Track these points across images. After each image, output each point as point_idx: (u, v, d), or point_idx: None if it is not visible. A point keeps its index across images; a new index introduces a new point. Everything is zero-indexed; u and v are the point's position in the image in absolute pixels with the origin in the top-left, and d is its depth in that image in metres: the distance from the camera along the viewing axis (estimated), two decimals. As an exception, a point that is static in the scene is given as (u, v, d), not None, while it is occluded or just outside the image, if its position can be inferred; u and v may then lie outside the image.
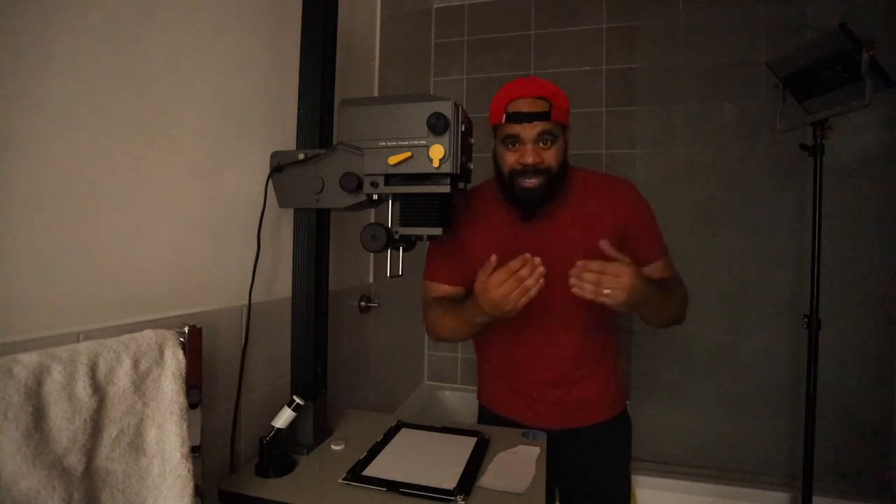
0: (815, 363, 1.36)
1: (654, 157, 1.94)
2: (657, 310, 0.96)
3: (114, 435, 0.53)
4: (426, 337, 2.27)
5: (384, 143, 0.80)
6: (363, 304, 1.45)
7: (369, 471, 0.79)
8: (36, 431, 0.45)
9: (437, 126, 0.75)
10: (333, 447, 0.89)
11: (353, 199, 0.85)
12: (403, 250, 0.88)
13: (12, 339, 0.52)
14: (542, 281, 0.82)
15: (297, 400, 0.82)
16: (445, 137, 0.76)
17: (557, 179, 0.98)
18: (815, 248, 1.35)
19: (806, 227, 1.40)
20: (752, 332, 1.79)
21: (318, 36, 0.90)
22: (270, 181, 0.90)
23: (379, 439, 0.91)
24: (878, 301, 1.65)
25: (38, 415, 0.46)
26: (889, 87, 1.18)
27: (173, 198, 0.75)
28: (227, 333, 0.86)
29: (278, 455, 0.82)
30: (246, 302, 0.89)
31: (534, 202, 0.98)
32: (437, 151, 0.76)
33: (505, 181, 1.00)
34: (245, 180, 0.91)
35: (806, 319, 1.37)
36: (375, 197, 0.83)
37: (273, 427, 0.81)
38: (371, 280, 1.53)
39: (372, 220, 0.84)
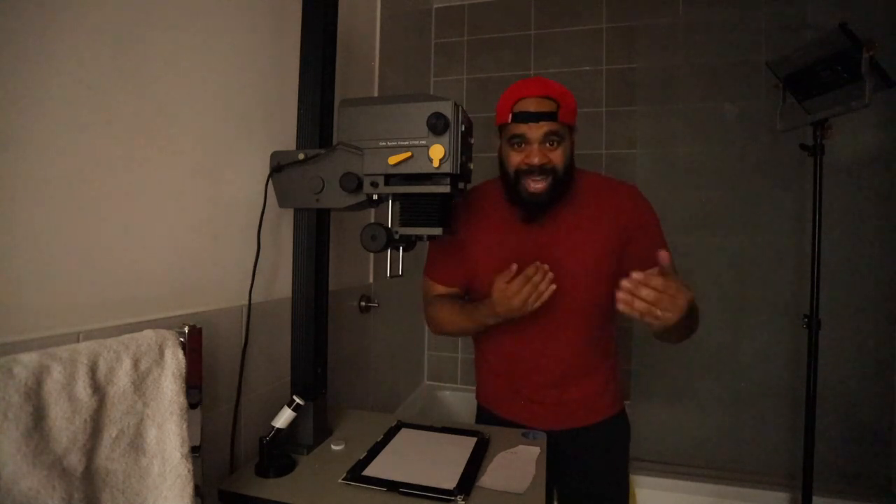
0: (815, 363, 1.36)
1: (654, 157, 1.94)
2: (683, 329, 0.89)
3: (114, 435, 0.53)
4: (426, 337, 2.28)
5: (384, 143, 0.80)
6: (363, 304, 1.45)
7: (369, 471, 0.79)
8: (36, 431, 0.45)
9: (437, 126, 0.75)
10: (333, 447, 0.89)
11: (353, 199, 0.85)
12: (403, 250, 0.88)
13: (12, 339, 0.52)
14: (553, 286, 0.88)
15: (297, 400, 0.82)
16: (445, 137, 0.76)
17: (563, 181, 0.97)
18: (815, 248, 1.35)
19: (806, 227, 1.40)
20: (752, 332, 1.79)
21: (318, 36, 0.90)
22: (270, 181, 0.90)
23: (379, 439, 0.91)
24: (878, 301, 1.65)
25: (38, 415, 0.46)
26: (889, 87, 1.18)
27: (173, 198, 0.75)
28: (227, 333, 0.86)
29: (278, 455, 0.82)
30: (246, 302, 0.89)
31: (538, 202, 0.98)
32: (437, 151, 0.76)
33: (510, 181, 0.99)
34: (245, 180, 0.91)
35: (806, 319, 1.37)
36: (375, 197, 0.83)
37: (273, 427, 0.81)
38: (371, 280, 1.53)
39: (372, 220, 0.84)
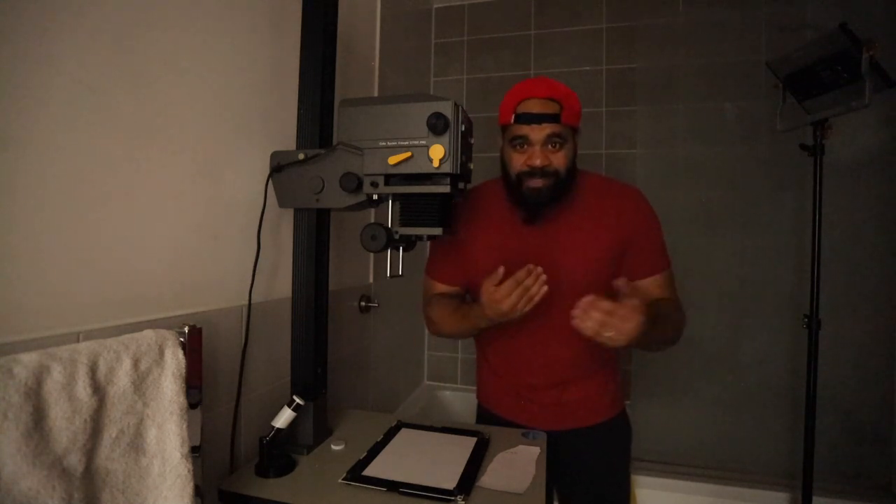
0: (815, 363, 1.36)
1: (654, 157, 1.94)
2: (651, 343, 0.96)
3: (114, 435, 0.53)
4: (426, 337, 2.28)
5: (384, 143, 0.80)
6: (363, 304, 1.45)
7: (369, 471, 0.79)
8: (36, 431, 0.45)
9: (437, 126, 0.75)
10: (333, 447, 0.89)
11: (353, 199, 0.85)
12: (403, 250, 0.88)
13: (12, 339, 0.52)
14: (545, 288, 0.85)
15: (297, 400, 0.82)
16: (445, 137, 0.76)
17: (565, 183, 0.97)
18: (815, 248, 1.35)
19: (806, 227, 1.40)
20: (752, 332, 1.79)
21: (318, 36, 0.90)
22: (270, 181, 0.90)
23: (379, 439, 0.91)
24: (878, 301, 1.65)
25: (38, 415, 0.46)
26: (889, 87, 1.18)
27: (173, 198, 0.75)
28: (227, 333, 0.86)
29: (278, 455, 0.82)
30: (246, 302, 0.89)
31: (539, 204, 0.97)
32: (437, 151, 0.76)
33: (512, 182, 0.99)
34: (245, 180, 0.91)
35: (806, 319, 1.37)
36: (375, 197, 0.83)
37: (273, 427, 0.81)
38: (371, 280, 1.53)
39: (372, 220, 0.84)
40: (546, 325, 1.03)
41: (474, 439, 0.92)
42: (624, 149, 1.99)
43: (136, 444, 0.56)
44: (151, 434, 0.58)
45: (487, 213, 1.08)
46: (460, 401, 2.14)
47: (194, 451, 0.62)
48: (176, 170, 0.76)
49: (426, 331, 2.22)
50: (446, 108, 0.76)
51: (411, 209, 0.83)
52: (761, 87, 1.70)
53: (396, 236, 0.83)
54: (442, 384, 2.24)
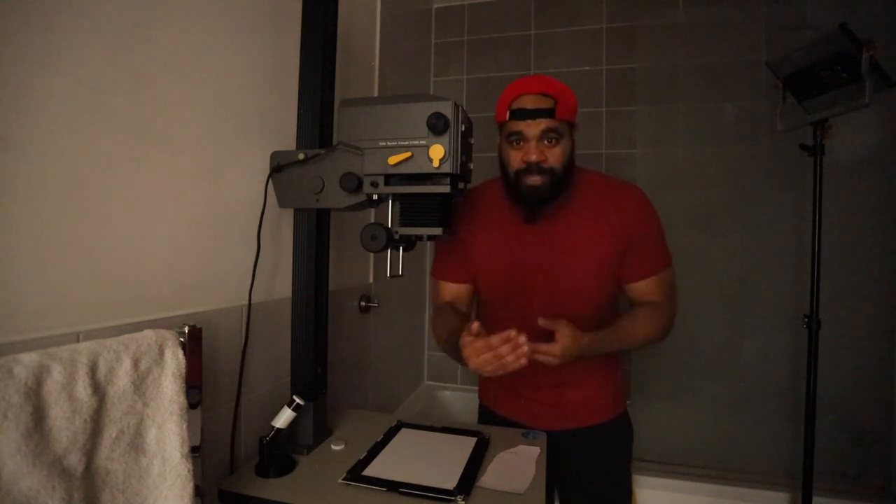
0: (815, 363, 1.36)
1: (654, 157, 1.94)
2: (611, 351, 0.99)
3: (114, 435, 0.53)
4: (426, 337, 2.28)
5: (384, 143, 0.80)
6: (363, 304, 1.45)
7: (369, 471, 0.79)
8: (36, 431, 0.45)
9: (437, 126, 0.75)
10: (333, 447, 0.89)
11: (353, 199, 0.85)
12: (403, 250, 0.88)
13: (12, 339, 0.52)
14: (523, 360, 0.79)
15: (297, 400, 0.82)
16: (445, 137, 0.76)
17: (562, 179, 0.97)
18: (815, 248, 1.35)
19: (806, 227, 1.40)
20: (752, 332, 1.79)
21: (318, 36, 0.90)
22: (270, 181, 0.90)
23: (379, 439, 0.91)
24: (878, 301, 1.65)
25: (38, 415, 0.46)
26: (889, 87, 1.18)
27: (173, 198, 0.75)
28: (227, 333, 0.86)
29: (278, 455, 0.82)
30: (246, 302, 0.89)
31: (538, 202, 0.97)
32: (437, 151, 0.76)
33: (510, 181, 0.99)
34: (245, 180, 0.91)
35: (806, 319, 1.37)
36: (375, 197, 0.83)
37: (273, 427, 0.81)
38: (371, 280, 1.53)
39: (372, 220, 0.84)
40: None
41: (474, 439, 0.92)
42: (624, 149, 1.99)
43: (136, 444, 0.56)
44: (151, 434, 0.57)
45: (488, 213, 1.08)
46: (460, 401, 2.14)
47: (194, 451, 0.62)
48: (176, 170, 0.76)
49: (426, 331, 2.23)
50: (446, 108, 0.76)
51: (411, 209, 0.83)
52: (761, 87, 1.70)
53: (396, 236, 0.83)
54: (442, 384, 2.24)
